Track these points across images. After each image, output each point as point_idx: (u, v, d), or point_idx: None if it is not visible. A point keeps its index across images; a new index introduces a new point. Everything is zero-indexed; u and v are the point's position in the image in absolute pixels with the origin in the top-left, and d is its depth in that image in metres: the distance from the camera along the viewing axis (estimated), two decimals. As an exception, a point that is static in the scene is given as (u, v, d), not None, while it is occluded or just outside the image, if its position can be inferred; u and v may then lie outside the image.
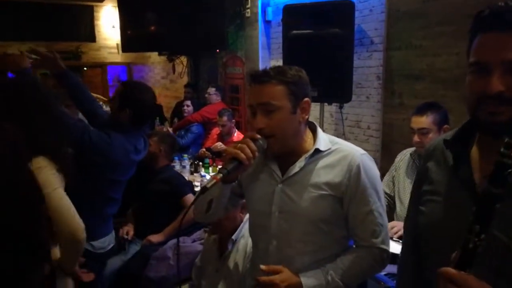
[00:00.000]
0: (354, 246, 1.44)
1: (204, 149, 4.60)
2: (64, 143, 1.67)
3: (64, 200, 1.55)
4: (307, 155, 1.36)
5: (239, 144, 1.30)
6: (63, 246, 1.58)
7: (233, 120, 4.60)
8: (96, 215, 2.15)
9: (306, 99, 1.36)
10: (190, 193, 2.95)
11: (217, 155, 4.40)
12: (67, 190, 1.60)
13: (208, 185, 1.23)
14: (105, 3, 10.30)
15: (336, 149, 1.38)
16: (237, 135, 4.59)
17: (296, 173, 1.37)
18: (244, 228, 1.94)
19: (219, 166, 4.16)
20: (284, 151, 1.38)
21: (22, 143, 1.14)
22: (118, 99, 2.14)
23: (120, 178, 2.20)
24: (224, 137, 4.58)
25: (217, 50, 5.74)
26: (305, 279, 1.33)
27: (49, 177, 1.53)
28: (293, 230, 1.37)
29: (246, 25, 5.07)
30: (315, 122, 1.46)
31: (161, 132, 3.30)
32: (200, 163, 4.32)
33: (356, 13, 3.30)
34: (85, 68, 10.21)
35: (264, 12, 4.78)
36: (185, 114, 5.33)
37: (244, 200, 1.59)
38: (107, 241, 2.23)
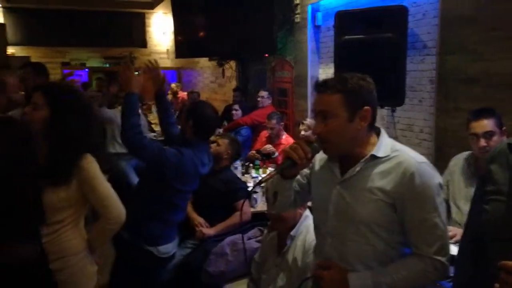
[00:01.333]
0: (410, 253, 1.44)
1: (254, 151, 4.72)
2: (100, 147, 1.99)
3: (112, 190, 1.84)
4: (364, 159, 1.42)
5: (294, 145, 1.42)
6: (104, 227, 1.84)
7: (282, 123, 4.70)
8: (162, 221, 2.35)
9: (366, 107, 1.40)
10: (246, 199, 3.08)
11: (266, 157, 4.52)
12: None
13: (263, 179, 1.43)
14: (156, 10, 10.71)
15: (395, 156, 1.40)
16: (285, 138, 4.69)
17: (352, 176, 1.43)
18: (303, 224, 2.04)
19: (270, 168, 4.32)
20: (340, 155, 1.46)
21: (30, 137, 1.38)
22: (185, 113, 2.46)
23: (187, 189, 2.42)
24: (273, 139, 4.69)
25: (266, 55, 5.87)
26: (352, 279, 1.38)
27: (98, 170, 1.81)
28: (346, 230, 1.43)
29: (295, 30, 5.17)
30: (381, 128, 1.50)
31: (231, 136, 3.47)
32: (251, 165, 4.45)
33: (409, 18, 3.33)
34: (136, 73, 10.69)
35: (313, 17, 4.86)
36: (234, 118, 5.50)
37: None
38: (171, 247, 2.42)
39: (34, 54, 10.07)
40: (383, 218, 1.39)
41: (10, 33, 9.02)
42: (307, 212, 2.08)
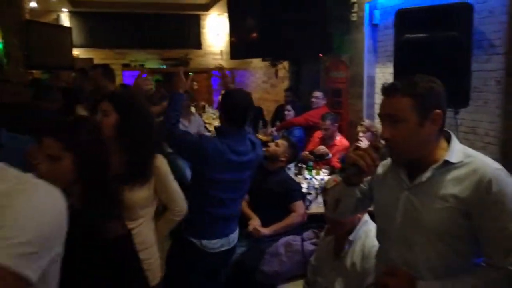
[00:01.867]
0: (483, 264, 1.38)
1: (307, 152, 4.69)
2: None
3: (177, 184, 2.04)
4: (435, 165, 1.37)
5: (360, 151, 1.38)
6: (170, 218, 2.06)
7: (336, 124, 4.63)
8: (204, 214, 2.36)
9: (437, 111, 1.35)
10: (301, 200, 3.08)
11: (320, 158, 4.47)
12: None
13: (328, 186, 1.36)
14: (210, 11, 10.93)
15: (469, 162, 1.34)
16: (339, 139, 4.62)
17: (423, 182, 1.38)
18: (362, 229, 2.00)
19: (323, 169, 4.28)
20: (409, 160, 1.41)
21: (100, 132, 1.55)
22: (218, 105, 2.48)
23: (220, 177, 2.31)
24: (326, 140, 4.63)
25: (321, 55, 5.81)
26: (422, 287, 1.32)
27: (168, 167, 1.99)
28: (415, 238, 1.39)
29: (351, 29, 5.08)
30: (451, 132, 1.45)
31: (292, 140, 3.49)
32: (304, 166, 4.43)
33: (474, 15, 3.16)
34: (190, 74, 10.97)
35: (371, 15, 4.75)
36: (287, 118, 5.50)
37: None
38: (219, 243, 2.41)
39: (97, 56, 10.63)
40: (455, 227, 1.34)
41: (75, 36, 9.56)
42: (366, 217, 2.04)
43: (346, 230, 2.02)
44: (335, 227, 2.07)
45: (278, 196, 3.05)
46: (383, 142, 1.41)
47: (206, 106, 9.19)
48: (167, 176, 1.98)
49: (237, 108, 2.34)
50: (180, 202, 2.04)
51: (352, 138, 4.29)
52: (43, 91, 3.46)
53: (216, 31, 11.31)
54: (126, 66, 10.67)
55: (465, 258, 1.37)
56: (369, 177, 1.56)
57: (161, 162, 1.96)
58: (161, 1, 10.06)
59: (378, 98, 4.86)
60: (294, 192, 3.10)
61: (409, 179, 1.43)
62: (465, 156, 1.37)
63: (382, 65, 4.75)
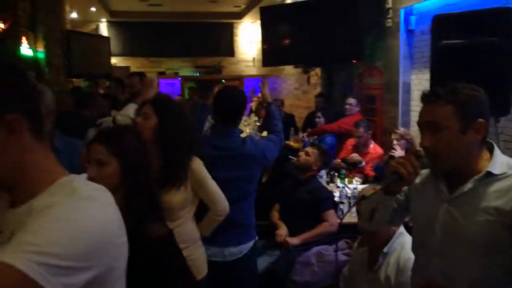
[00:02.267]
0: None
1: (339, 160, 4.63)
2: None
3: (217, 186, 2.05)
4: (477, 177, 1.32)
5: (401, 159, 1.34)
6: (213, 218, 2.08)
7: (370, 132, 4.55)
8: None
9: (480, 120, 1.31)
10: (332, 209, 3.03)
11: (352, 166, 4.40)
12: None
13: (367, 194, 1.34)
14: (243, 19, 11.04)
15: None
16: (373, 147, 4.53)
17: (464, 194, 1.33)
18: (397, 241, 1.95)
19: (356, 178, 4.20)
20: (450, 171, 1.37)
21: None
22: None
23: (212, 174, 2.16)
24: (359, 148, 4.55)
25: (354, 61, 5.74)
26: None
27: (205, 169, 2.03)
28: (455, 251, 1.34)
29: (386, 35, 4.99)
30: (493, 143, 1.40)
31: (322, 147, 3.46)
32: (336, 174, 4.37)
33: (516, 19, 3.03)
34: (223, 81, 11.09)
35: (406, 21, 4.65)
36: (318, 126, 5.44)
37: None
38: (209, 251, 2.25)
39: (133, 64, 10.94)
40: (498, 240, 1.28)
41: (112, 45, 9.88)
42: (402, 229, 1.98)
43: (380, 242, 1.97)
44: (369, 238, 2.02)
45: (309, 205, 3.02)
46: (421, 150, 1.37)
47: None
48: (204, 179, 2.01)
49: (224, 105, 2.34)
50: (221, 203, 2.06)
51: (387, 145, 4.19)
52: (84, 99, 3.62)
53: (248, 38, 11.41)
54: (161, 74, 10.91)
55: (508, 273, 1.32)
56: (405, 188, 1.52)
57: (197, 165, 2.00)
58: (195, 11, 10.26)
59: (414, 105, 4.74)
60: (326, 200, 3.06)
61: (449, 190, 1.38)
62: (508, 168, 1.32)
63: (418, 72, 4.64)
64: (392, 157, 3.76)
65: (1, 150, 0.81)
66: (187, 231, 1.99)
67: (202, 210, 2.12)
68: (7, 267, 0.69)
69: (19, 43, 4.74)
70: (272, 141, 2.44)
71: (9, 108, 0.81)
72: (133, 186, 1.47)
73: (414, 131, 4.47)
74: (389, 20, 4.87)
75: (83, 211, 0.79)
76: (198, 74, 11.22)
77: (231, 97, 2.36)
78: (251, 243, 2.36)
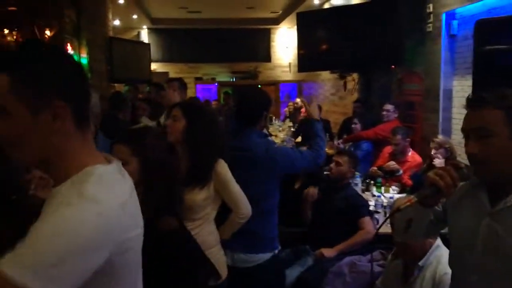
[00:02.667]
0: None
1: (375, 168, 4.51)
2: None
3: (240, 189, 2.08)
4: None
5: (440, 171, 1.28)
6: (235, 220, 2.10)
7: (408, 139, 4.41)
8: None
9: None
10: (368, 216, 2.96)
11: (389, 174, 4.28)
12: None
13: (402, 207, 1.27)
14: (280, 25, 11.06)
15: None
16: (411, 155, 4.39)
17: (508, 207, 1.26)
18: (433, 254, 1.87)
19: (393, 186, 4.08)
20: (496, 180, 1.29)
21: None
22: None
23: None
24: (397, 156, 4.42)
25: (393, 67, 5.60)
26: None
27: (229, 172, 2.06)
28: (497, 267, 1.26)
29: (426, 39, 4.84)
30: None
31: (348, 151, 3.41)
32: (372, 182, 4.26)
33: None
34: (259, 86, 11.14)
35: (448, 25, 4.49)
36: (354, 132, 5.34)
37: None
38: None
39: (172, 70, 11.19)
40: None
41: (152, 51, 10.15)
42: (438, 242, 1.90)
43: (415, 255, 1.90)
44: (403, 251, 1.95)
45: (344, 213, 2.96)
46: (459, 160, 1.30)
47: (274, 118, 9.25)
48: (228, 181, 2.05)
49: (242, 105, 2.38)
50: (244, 206, 2.08)
51: (426, 154, 4.05)
52: (118, 103, 3.75)
53: (285, 44, 11.41)
54: (198, 79, 11.09)
55: None
56: (444, 199, 1.45)
57: (222, 167, 2.05)
58: (233, 17, 10.37)
59: (456, 112, 4.56)
60: (361, 207, 2.99)
61: (491, 203, 1.30)
62: None
63: (460, 77, 4.46)
64: (432, 166, 3.63)
65: (42, 133, 0.86)
66: (205, 234, 2.02)
67: (222, 216, 2.14)
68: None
69: (64, 50, 4.95)
70: (303, 154, 2.37)
71: (58, 94, 0.86)
72: (150, 182, 1.55)
73: (455, 139, 4.30)
74: (429, 24, 4.72)
75: (77, 222, 0.80)
76: (234, 80, 11.32)
77: (249, 97, 2.39)
78: (266, 256, 2.28)
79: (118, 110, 3.86)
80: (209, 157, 2.02)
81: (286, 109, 8.15)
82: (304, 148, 2.64)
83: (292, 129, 6.85)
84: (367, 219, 2.93)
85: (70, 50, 5.15)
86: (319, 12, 7.03)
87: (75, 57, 5.34)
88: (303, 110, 8.47)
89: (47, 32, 4.79)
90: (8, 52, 1.33)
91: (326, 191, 3.07)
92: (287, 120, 7.70)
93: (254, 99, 2.37)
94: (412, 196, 1.29)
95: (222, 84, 11.08)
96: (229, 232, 2.16)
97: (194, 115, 2.05)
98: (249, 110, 2.33)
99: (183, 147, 2.02)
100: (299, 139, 5.98)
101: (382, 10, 5.38)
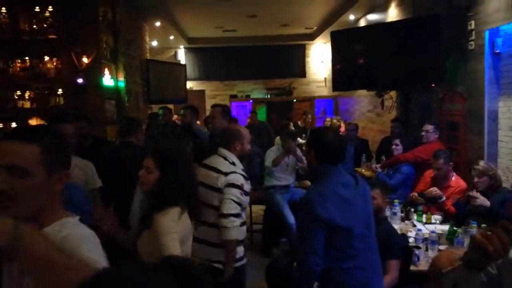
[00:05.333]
0: None
1: (416, 194, 4.27)
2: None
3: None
4: None
5: (488, 233, 1.15)
6: None
7: (451, 163, 4.16)
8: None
9: None
10: (397, 260, 2.79)
11: (431, 201, 4.04)
12: None
13: (444, 271, 1.18)
14: (315, 40, 10.97)
15: None
16: (455, 180, 4.12)
17: None
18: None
19: (435, 215, 3.84)
20: None
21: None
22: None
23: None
24: (439, 181, 4.17)
25: (433, 85, 5.37)
26: None
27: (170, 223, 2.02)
28: None
29: (469, 58, 4.61)
30: None
31: (379, 181, 3.25)
32: (412, 210, 4.04)
33: None
34: (294, 101, 11.05)
35: (491, 43, 4.25)
36: (395, 153, 5.11)
37: None
38: None
39: (208, 88, 11.32)
40: None
41: (189, 70, 10.32)
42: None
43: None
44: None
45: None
46: (505, 187, 1.16)
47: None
48: (162, 233, 1.95)
49: (331, 146, 2.18)
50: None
51: (469, 181, 3.80)
52: (133, 126, 3.60)
53: (320, 58, 11.30)
54: (233, 97, 11.15)
55: None
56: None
57: (168, 216, 1.97)
58: (267, 34, 10.40)
59: (502, 135, 4.29)
60: (394, 246, 2.81)
61: None
62: None
63: (506, 98, 4.20)
64: (471, 197, 3.38)
65: (45, 191, 1.11)
66: None
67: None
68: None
69: (101, 75, 5.07)
70: None
71: (66, 166, 1.18)
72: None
73: (502, 163, 4.03)
74: (471, 42, 4.49)
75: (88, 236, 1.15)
76: (269, 96, 11.30)
77: (332, 138, 2.23)
78: None
79: (132, 134, 3.60)
80: (170, 203, 2.00)
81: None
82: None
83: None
84: (394, 262, 2.75)
85: (107, 74, 5.27)
86: (353, 31, 6.88)
87: (113, 81, 5.46)
88: (342, 129, 8.29)
89: (84, 60, 4.92)
90: (35, 127, 1.55)
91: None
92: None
93: (335, 138, 2.24)
94: (456, 257, 1.17)
95: (257, 101, 11.08)
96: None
97: (167, 166, 2.06)
98: (334, 150, 2.20)
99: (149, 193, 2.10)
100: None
101: (423, 27, 5.18)
